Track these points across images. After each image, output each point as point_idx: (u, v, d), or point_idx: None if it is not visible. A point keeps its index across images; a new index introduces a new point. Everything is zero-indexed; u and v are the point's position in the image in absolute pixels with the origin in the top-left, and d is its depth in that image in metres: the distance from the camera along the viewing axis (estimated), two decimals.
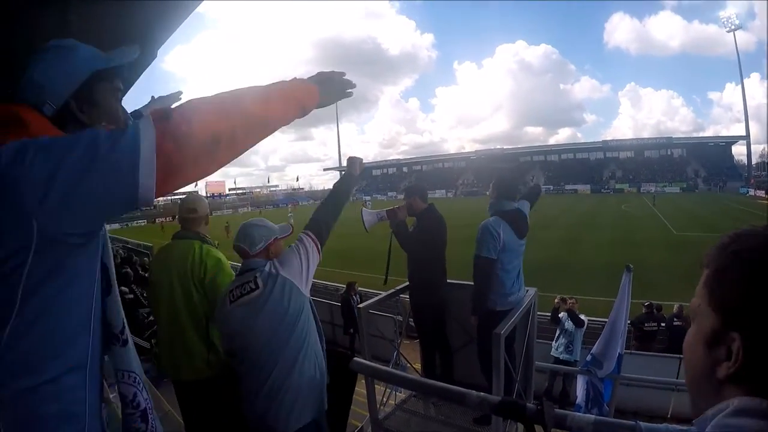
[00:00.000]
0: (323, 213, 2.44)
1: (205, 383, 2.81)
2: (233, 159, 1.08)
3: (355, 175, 2.57)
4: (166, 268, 2.89)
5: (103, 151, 0.89)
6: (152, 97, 1.93)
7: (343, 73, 1.45)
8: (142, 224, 73.92)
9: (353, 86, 1.50)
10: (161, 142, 0.92)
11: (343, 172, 2.66)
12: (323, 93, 1.36)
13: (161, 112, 0.98)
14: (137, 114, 1.91)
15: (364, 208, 4.09)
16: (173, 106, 1.03)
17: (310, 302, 2.35)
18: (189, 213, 2.99)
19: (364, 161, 2.62)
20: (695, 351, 0.75)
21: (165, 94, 1.93)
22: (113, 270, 1.26)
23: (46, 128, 1.08)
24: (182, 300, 2.78)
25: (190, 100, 1.05)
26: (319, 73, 1.41)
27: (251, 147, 1.13)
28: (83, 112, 1.19)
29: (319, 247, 2.35)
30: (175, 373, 3.01)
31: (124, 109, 1.36)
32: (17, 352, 0.95)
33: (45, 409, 0.99)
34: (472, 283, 3.76)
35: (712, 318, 0.71)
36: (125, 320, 1.32)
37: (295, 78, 1.31)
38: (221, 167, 1.09)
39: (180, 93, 1.95)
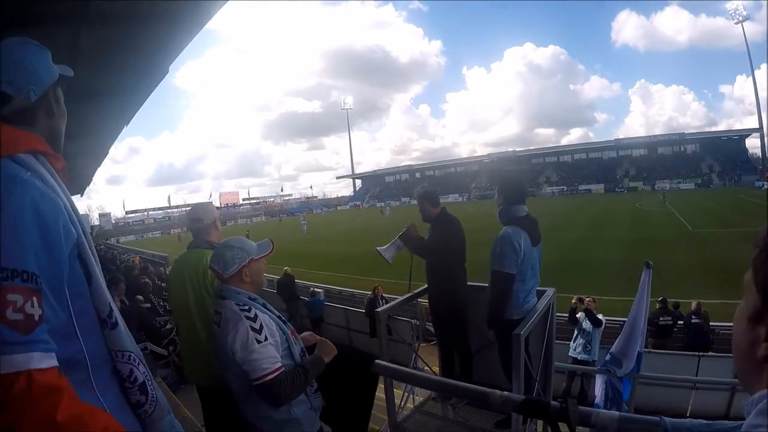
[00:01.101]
0: (300, 382, 2.17)
1: (216, 390, 2.80)
2: None
3: (325, 361, 2.35)
4: (180, 277, 2.96)
5: None
6: None
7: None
8: (157, 236, 74.73)
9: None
10: None
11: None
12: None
13: None
14: None
15: (378, 248, 4.14)
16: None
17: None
18: (195, 223, 3.05)
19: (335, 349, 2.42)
20: (740, 324, 0.76)
21: None
22: (92, 261, 1.31)
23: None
24: (195, 308, 2.84)
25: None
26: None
27: None
28: (58, 105, 1.36)
29: (265, 385, 2.06)
30: (196, 380, 3.08)
31: None
32: None
33: None
34: (487, 285, 3.76)
35: (755, 296, 0.72)
36: (112, 304, 1.36)
37: None
38: None
39: None
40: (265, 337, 2.11)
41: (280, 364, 2.11)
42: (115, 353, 1.37)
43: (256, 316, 2.14)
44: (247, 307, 2.16)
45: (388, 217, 51.78)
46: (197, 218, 3.05)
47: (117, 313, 1.38)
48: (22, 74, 1.24)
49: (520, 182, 3.88)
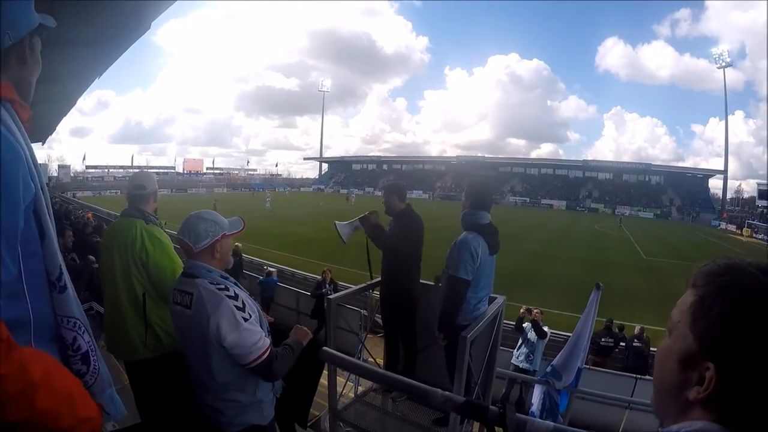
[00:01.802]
0: (289, 359, 2.18)
1: (143, 364, 2.76)
2: None
3: (303, 344, 2.32)
4: (109, 246, 2.84)
5: None
6: None
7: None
8: (116, 194, 72.93)
9: None
10: None
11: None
12: None
13: None
14: None
15: (337, 222, 4.10)
16: None
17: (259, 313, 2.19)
18: (136, 189, 2.92)
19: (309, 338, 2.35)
20: (667, 364, 0.77)
21: None
22: (47, 218, 1.26)
23: None
24: (122, 279, 2.73)
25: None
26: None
27: None
28: (32, 52, 1.29)
29: (264, 363, 2.03)
30: (117, 352, 2.99)
31: None
32: None
33: None
34: (440, 285, 3.78)
35: (689, 341, 0.73)
36: (63, 266, 1.31)
37: None
38: None
39: None
40: (249, 314, 2.03)
41: (268, 341, 2.06)
42: (60, 318, 1.31)
43: (236, 294, 2.05)
44: (223, 286, 2.04)
45: (353, 205, 51.47)
46: (140, 185, 2.92)
47: (66, 277, 1.32)
48: None
49: (488, 189, 3.95)
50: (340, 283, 11.47)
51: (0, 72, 1.19)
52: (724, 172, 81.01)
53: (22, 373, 1.00)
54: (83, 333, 1.36)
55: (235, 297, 2.03)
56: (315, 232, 28.43)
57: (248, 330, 1.98)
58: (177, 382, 2.38)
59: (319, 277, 11.33)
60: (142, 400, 2.88)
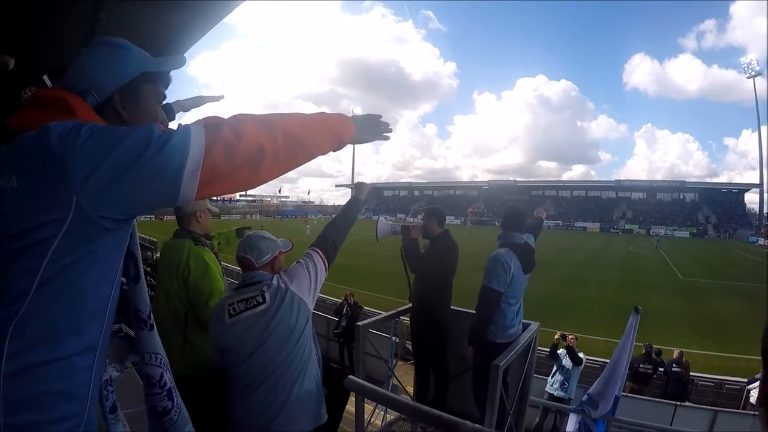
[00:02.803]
0: (331, 232, 2.47)
1: (180, 381, 2.79)
2: (275, 176, 1.13)
3: (362, 200, 2.62)
4: (161, 266, 2.97)
5: (154, 148, 0.94)
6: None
7: (379, 116, 1.50)
8: (151, 219, 74.50)
9: (389, 130, 1.53)
10: (210, 149, 0.97)
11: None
12: (360, 129, 1.41)
13: (212, 120, 1.03)
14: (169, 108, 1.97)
15: (381, 218, 4.11)
16: (224, 117, 1.06)
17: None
18: (177, 211, 2.97)
19: (373, 186, 2.59)
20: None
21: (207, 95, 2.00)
22: (140, 259, 1.30)
23: (90, 116, 1.11)
24: (166, 295, 2.80)
25: (237, 114, 1.08)
26: (356, 116, 1.45)
27: (292, 168, 1.17)
28: (125, 109, 1.21)
29: (327, 264, 2.36)
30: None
31: (162, 114, 1.41)
32: (36, 325, 0.96)
33: (51, 385, 0.99)
34: (471, 311, 3.74)
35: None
36: (150, 306, 1.37)
37: (336, 113, 1.35)
38: (262, 183, 1.12)
39: (219, 97, 2.01)
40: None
41: (315, 248, 2.39)
42: (148, 356, 1.37)
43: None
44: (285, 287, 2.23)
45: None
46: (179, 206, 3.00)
47: (153, 316, 1.39)
48: (77, 79, 1.15)
49: (521, 212, 4.00)
50: (369, 308, 11.42)
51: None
52: (760, 185, 78.49)
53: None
54: (167, 370, 1.42)
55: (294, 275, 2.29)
56: (352, 259, 28.54)
57: (311, 268, 2.31)
58: (209, 402, 2.39)
59: (341, 300, 11.36)
60: None
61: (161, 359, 1.40)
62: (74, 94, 1.13)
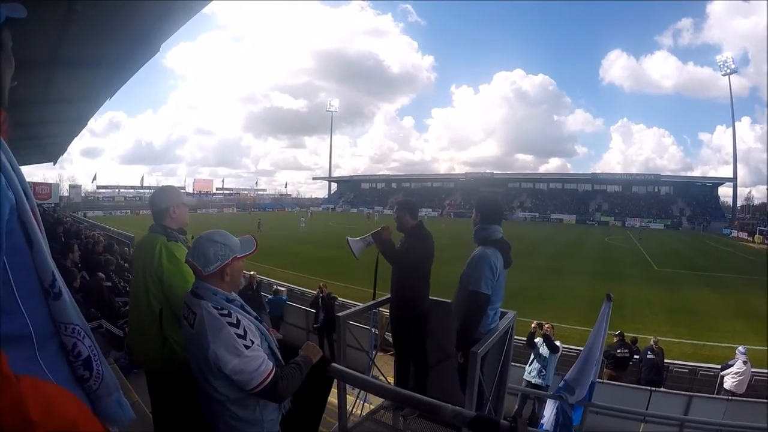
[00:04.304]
0: (297, 378, 2.10)
1: (161, 376, 2.85)
2: None
3: (312, 361, 2.27)
4: (137, 260, 2.95)
5: None
6: None
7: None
8: (126, 214, 73.56)
9: None
10: None
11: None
12: None
13: None
14: None
15: (349, 238, 4.13)
16: None
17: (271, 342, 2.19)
18: (153, 206, 3.00)
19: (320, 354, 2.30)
20: None
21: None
22: (33, 225, 1.20)
23: None
24: (143, 292, 2.80)
25: None
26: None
27: None
28: None
29: (269, 385, 1.95)
30: (140, 363, 3.10)
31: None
32: None
33: None
34: (449, 301, 3.76)
35: None
36: (56, 272, 1.26)
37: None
38: None
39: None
40: (251, 341, 1.95)
41: (271, 364, 1.99)
42: (59, 325, 1.28)
43: (238, 321, 1.98)
44: (226, 311, 1.98)
45: (377, 222, 51.12)
46: (154, 201, 3.00)
47: (61, 282, 1.27)
48: None
49: (498, 203, 3.94)
50: (349, 301, 11.46)
51: None
52: (734, 179, 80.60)
53: (18, 411, 0.91)
54: (83, 338, 1.34)
55: (237, 324, 1.96)
56: (329, 251, 28.44)
57: (249, 357, 1.91)
58: (189, 397, 2.38)
59: (315, 291, 11.45)
60: (158, 410, 2.99)
61: (74, 328, 1.30)
62: None
